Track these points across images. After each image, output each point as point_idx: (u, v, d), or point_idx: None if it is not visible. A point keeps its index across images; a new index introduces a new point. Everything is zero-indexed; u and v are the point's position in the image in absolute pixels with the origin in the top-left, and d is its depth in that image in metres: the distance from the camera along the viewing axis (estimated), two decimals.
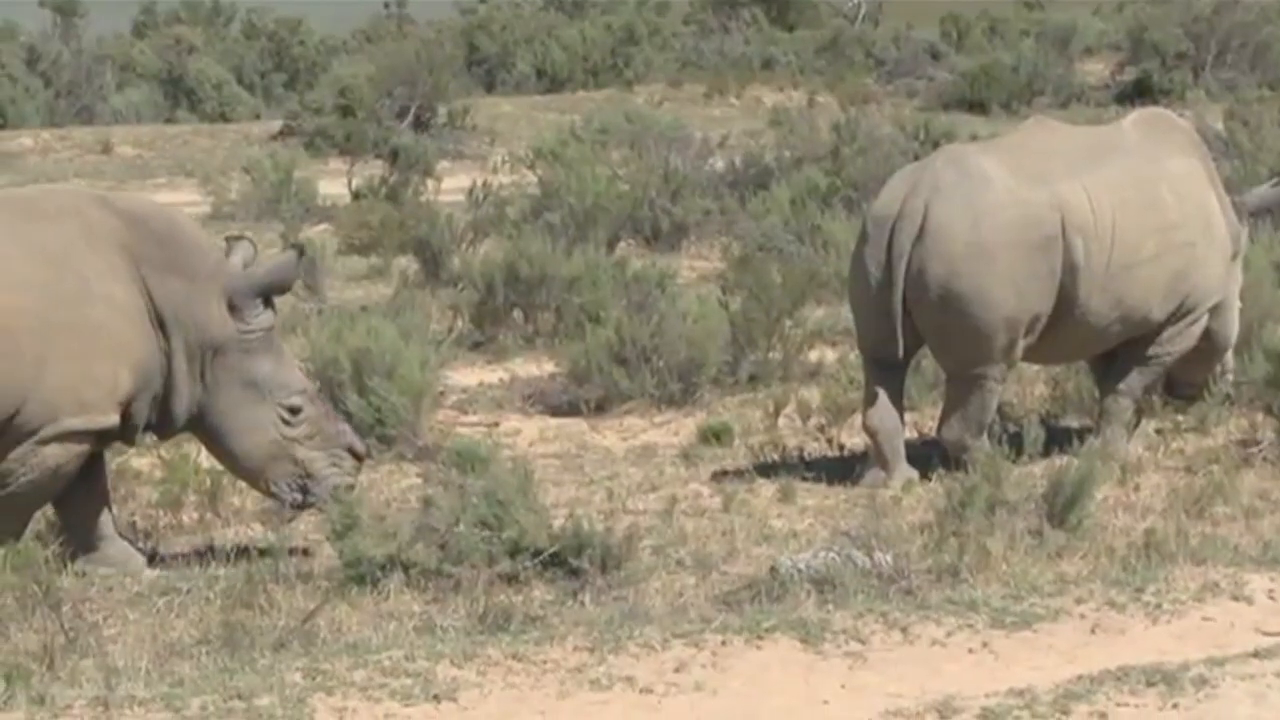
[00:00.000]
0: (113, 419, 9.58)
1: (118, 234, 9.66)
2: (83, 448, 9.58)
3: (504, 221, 19.81)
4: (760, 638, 8.08)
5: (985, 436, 11.19)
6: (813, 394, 13.27)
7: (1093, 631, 8.26)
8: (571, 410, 13.56)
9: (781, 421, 12.84)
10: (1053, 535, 9.45)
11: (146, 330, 9.66)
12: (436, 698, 7.49)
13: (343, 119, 32.75)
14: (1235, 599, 8.62)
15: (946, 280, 11.07)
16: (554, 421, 13.42)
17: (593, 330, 14.00)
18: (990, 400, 11.35)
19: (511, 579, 9.06)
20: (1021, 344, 11.30)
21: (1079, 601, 8.53)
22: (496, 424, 13.30)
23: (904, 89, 39.83)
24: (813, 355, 14.48)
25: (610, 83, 40.68)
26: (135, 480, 11.12)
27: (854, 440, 12.34)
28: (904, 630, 8.20)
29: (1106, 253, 11.30)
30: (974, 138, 25.35)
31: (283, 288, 10.22)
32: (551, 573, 9.08)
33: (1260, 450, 11.36)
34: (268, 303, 9.95)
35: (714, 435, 12.49)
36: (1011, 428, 11.60)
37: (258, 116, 38.69)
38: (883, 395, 11.31)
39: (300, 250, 10.58)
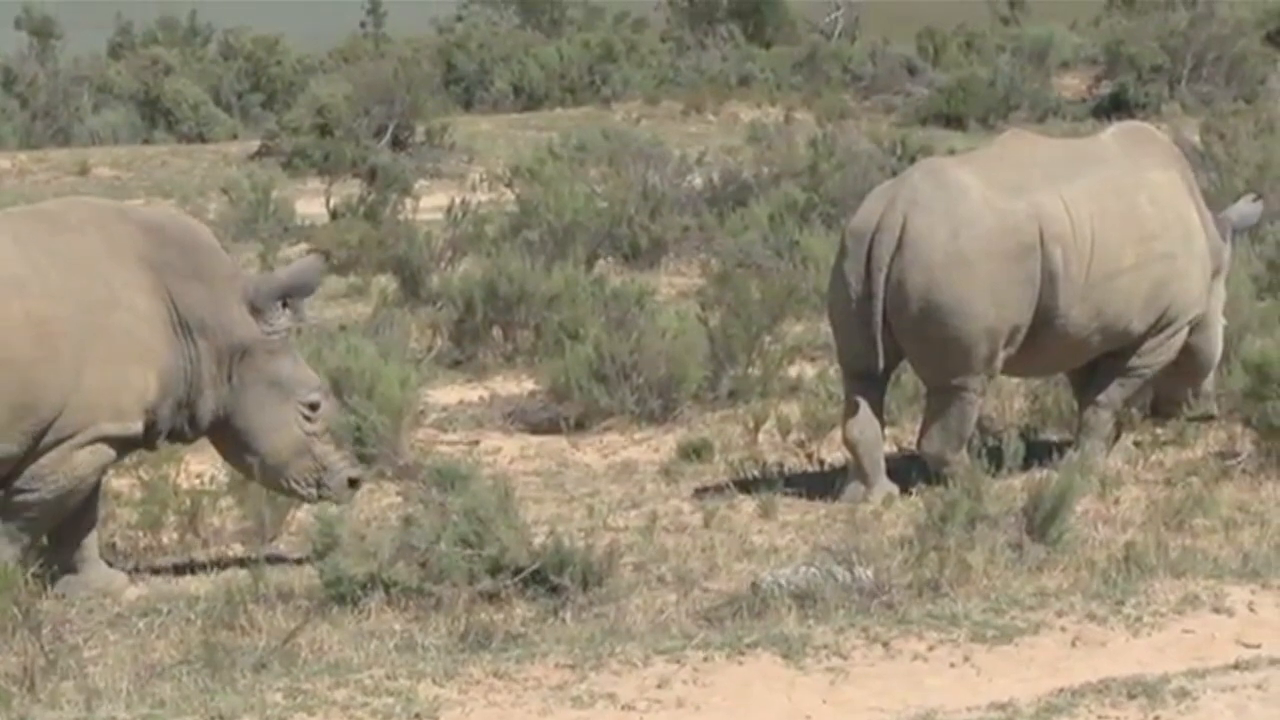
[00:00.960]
0: (138, 427, 9.78)
1: (137, 245, 9.87)
2: (111, 454, 9.79)
3: (482, 239, 19.81)
4: (742, 653, 8.08)
5: (965, 450, 11.20)
6: (792, 409, 13.28)
7: (1073, 644, 8.27)
8: (551, 428, 13.56)
9: (761, 437, 12.85)
10: (1033, 549, 9.45)
11: (171, 337, 9.87)
12: (418, 716, 7.47)
13: (320, 138, 32.72)
14: (1215, 611, 8.63)
15: (926, 291, 11.09)
16: (534, 439, 13.42)
17: (572, 347, 14.00)
18: (970, 412, 11.36)
19: (493, 597, 9.04)
20: (1001, 355, 11.32)
21: (1060, 615, 8.53)
22: (477, 442, 13.29)
23: (881, 104, 39.88)
24: (792, 371, 14.49)
25: (588, 100, 40.70)
26: (115, 501, 11.09)
27: (834, 455, 12.35)
28: (885, 645, 8.20)
29: (1085, 262, 11.32)
30: (951, 152, 25.44)
31: (305, 290, 10.43)
32: (533, 590, 9.07)
33: (1239, 463, 11.38)
34: (285, 305, 10.16)
35: (694, 451, 12.49)
36: (991, 441, 11.60)
37: (235, 136, 38.63)
38: (863, 408, 11.32)
39: (325, 255, 10.76)
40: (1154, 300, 11.58)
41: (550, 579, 9.03)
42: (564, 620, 8.82)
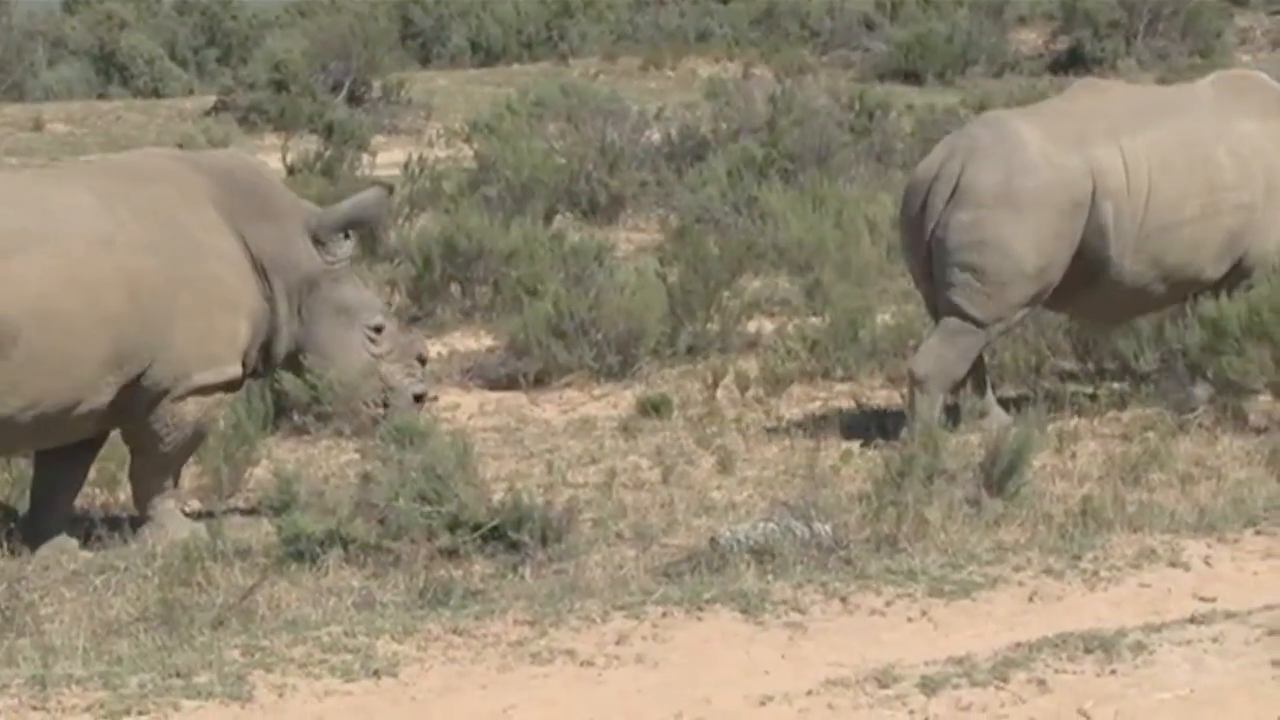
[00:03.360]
0: (237, 369, 9.98)
1: (209, 191, 10.03)
2: (216, 399, 9.99)
3: (440, 195, 19.76)
4: (700, 609, 8.09)
5: (944, 396, 11.30)
6: (751, 365, 13.30)
7: (1031, 599, 8.30)
8: (510, 384, 13.55)
9: (720, 393, 12.87)
10: (990, 504, 9.48)
11: (252, 280, 10.06)
12: (377, 673, 7.47)
13: (277, 94, 32.53)
14: (1172, 565, 8.67)
15: (970, 225, 11.31)
16: (493, 395, 13.41)
17: (531, 303, 13.99)
18: (969, 354, 11.43)
19: (451, 553, 9.04)
20: (1021, 309, 11.45)
21: (1017, 569, 8.56)
22: (435, 398, 13.26)
23: (839, 60, 39.81)
24: (750, 326, 14.50)
25: (545, 56, 40.56)
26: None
27: (792, 411, 12.37)
28: (843, 600, 8.22)
29: (1139, 215, 11.48)
30: (909, 107, 25.46)
31: (368, 221, 10.88)
32: (491, 547, 9.07)
33: (1195, 417, 11.43)
34: (347, 235, 10.43)
35: (653, 407, 12.50)
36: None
37: (191, 92, 38.38)
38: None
39: (389, 188, 11.06)
40: (1228, 250, 11.71)
41: (509, 535, 9.03)
42: (523, 576, 8.83)
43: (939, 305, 11.59)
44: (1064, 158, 11.43)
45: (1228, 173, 11.69)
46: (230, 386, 10.10)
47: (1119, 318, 12.24)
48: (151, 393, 9.71)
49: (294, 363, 10.40)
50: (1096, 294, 11.62)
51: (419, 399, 10.72)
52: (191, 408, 9.83)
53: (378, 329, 10.49)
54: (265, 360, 10.32)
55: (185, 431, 9.86)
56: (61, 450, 9.95)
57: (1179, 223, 11.56)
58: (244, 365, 10.09)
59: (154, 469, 9.96)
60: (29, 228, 9.36)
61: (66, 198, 9.61)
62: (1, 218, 9.35)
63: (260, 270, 10.11)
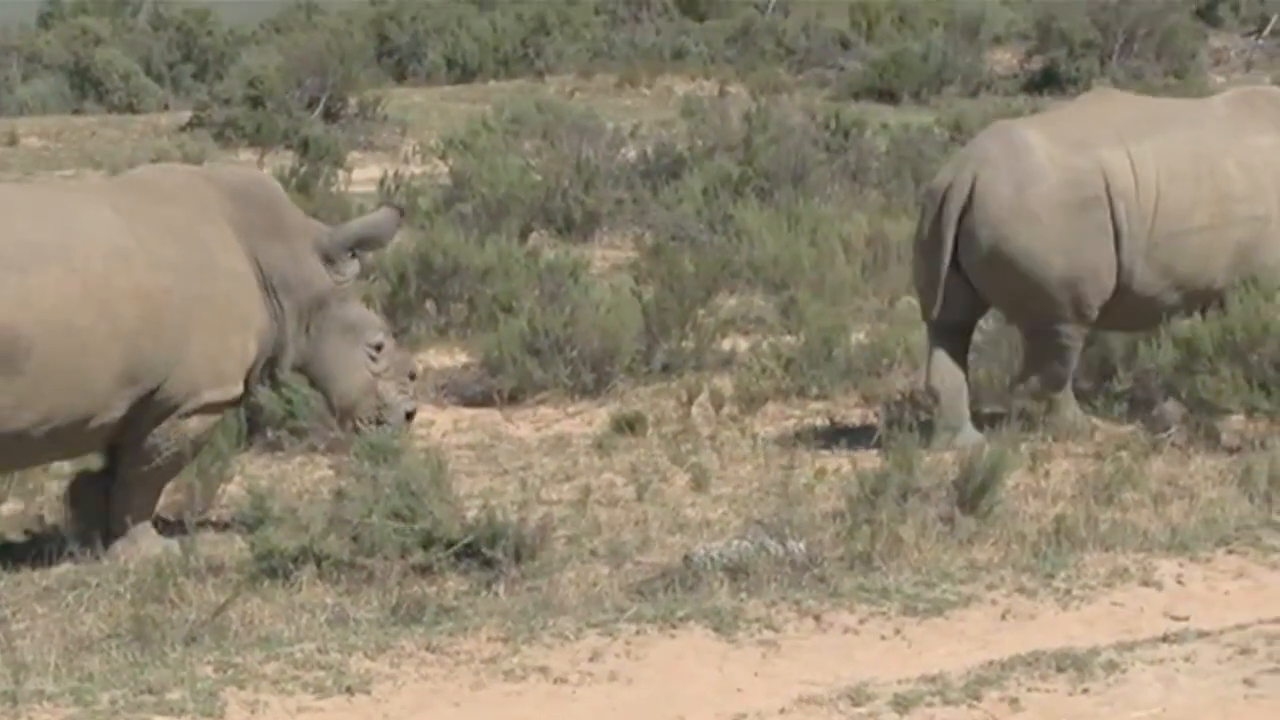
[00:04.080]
0: (241, 387, 10.01)
1: (225, 208, 10.07)
2: (218, 417, 10.04)
3: (416, 212, 19.74)
4: (674, 627, 8.08)
5: (1069, 393, 11.72)
6: (725, 383, 13.31)
7: (1003, 617, 8.31)
8: (485, 401, 13.53)
9: (694, 410, 12.87)
10: (964, 522, 9.49)
11: (261, 298, 10.10)
12: (349, 690, 7.45)
13: (252, 110, 32.52)
14: (1144, 584, 8.69)
15: (993, 244, 11.55)
16: (467, 412, 13.40)
17: (506, 320, 13.98)
18: (1067, 356, 11.75)
19: (425, 570, 9.03)
20: (1094, 303, 11.64)
21: (990, 588, 8.57)
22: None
23: (815, 78, 39.90)
24: (725, 344, 14.50)
25: (521, 73, 40.59)
26: (44, 474, 11.02)
27: (767, 429, 12.38)
28: (817, 618, 8.22)
29: (1149, 220, 11.64)
30: (884, 126, 25.52)
31: (378, 242, 10.92)
32: (465, 564, 9.06)
33: (1168, 436, 11.45)
34: (354, 255, 10.53)
35: (627, 425, 12.49)
36: (923, 416, 11.64)
37: (166, 108, 38.35)
38: (942, 358, 11.75)
39: (400, 210, 11.18)
40: (1241, 261, 11.84)
41: (483, 552, 9.02)
42: (496, 593, 8.82)
43: (1013, 323, 11.99)
44: (1071, 159, 11.63)
45: (1238, 184, 11.84)
46: (231, 405, 10.15)
47: (1135, 328, 12.33)
48: (160, 408, 9.72)
49: (301, 376, 10.44)
50: (1113, 303, 11.73)
51: (409, 416, 10.79)
52: (194, 424, 9.85)
53: (378, 347, 10.58)
54: (271, 377, 10.36)
55: (182, 448, 9.87)
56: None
57: (1188, 231, 11.72)
58: (248, 382, 10.12)
59: (145, 483, 9.94)
60: (47, 242, 9.36)
61: (86, 212, 9.62)
62: (20, 231, 9.35)
63: (270, 289, 10.15)
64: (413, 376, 10.93)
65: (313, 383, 10.45)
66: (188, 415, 9.80)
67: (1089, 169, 11.61)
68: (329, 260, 10.38)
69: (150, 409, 9.70)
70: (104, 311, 9.39)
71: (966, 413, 11.73)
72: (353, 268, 10.52)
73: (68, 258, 9.36)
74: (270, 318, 10.15)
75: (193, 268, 9.75)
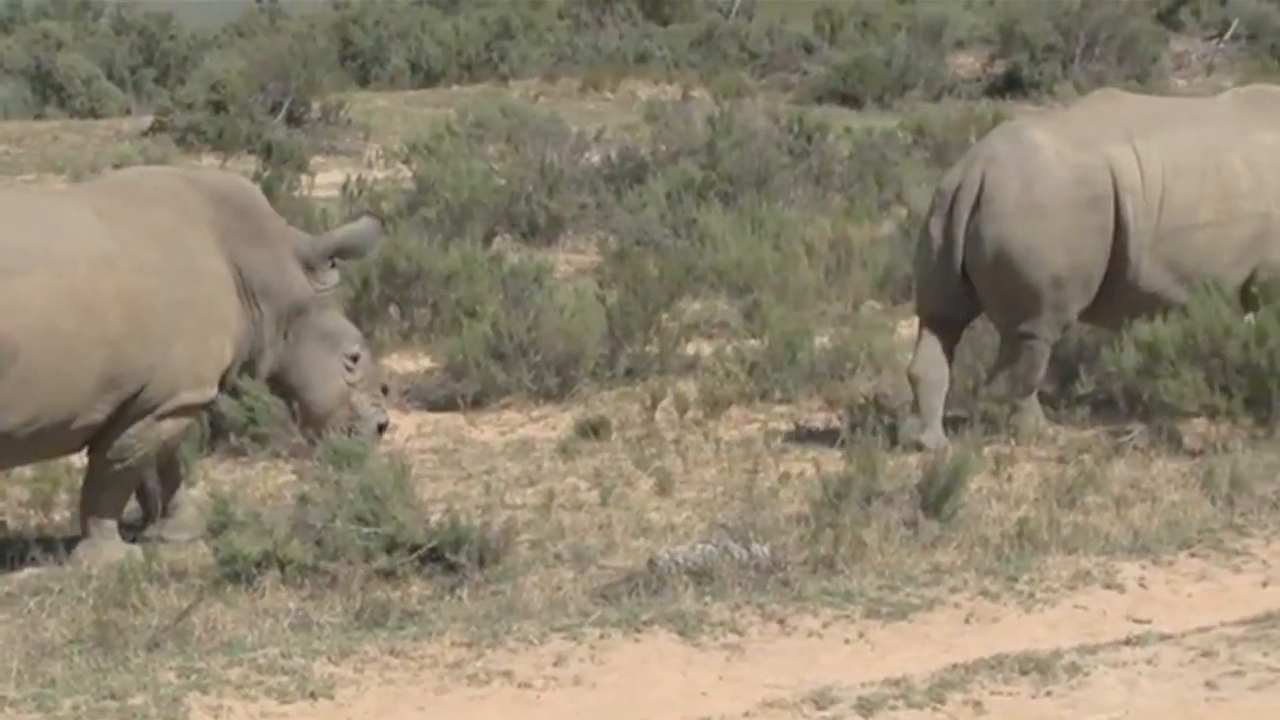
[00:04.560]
0: (215, 391, 10.07)
1: (207, 213, 10.11)
2: (191, 420, 10.12)
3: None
4: (638, 631, 8.09)
5: (1035, 398, 11.82)
6: (689, 387, 13.31)
7: (967, 621, 8.33)
8: (448, 405, 13.52)
9: (659, 414, 12.87)
10: (927, 525, 9.52)
11: (239, 304, 10.13)
12: (313, 695, 7.45)
13: (215, 114, 32.40)
14: (1107, 587, 8.72)
15: (999, 239, 11.68)
16: (431, 416, 13.38)
17: (469, 325, 13.97)
18: (1038, 361, 11.88)
19: (388, 575, 9.02)
20: (1074, 305, 11.81)
21: (953, 591, 8.59)
22: None
23: (778, 82, 39.90)
24: (689, 348, 14.51)
25: (485, 77, 40.51)
26: (5, 480, 10.98)
27: (730, 433, 12.39)
28: (781, 622, 8.23)
29: (1154, 215, 11.79)
30: (848, 130, 25.54)
31: (359, 251, 10.99)
32: (429, 568, 9.05)
33: (1130, 439, 11.49)
34: (334, 263, 10.59)
35: (591, 429, 12.49)
36: (887, 420, 11.66)
37: (128, 112, 38.18)
38: (930, 349, 11.89)
39: (381, 220, 11.18)
40: (1246, 257, 12.00)
41: (447, 557, 9.02)
42: (460, 598, 8.81)
43: (994, 322, 12.03)
44: (1079, 156, 11.80)
45: (1243, 181, 11.99)
46: (205, 407, 10.21)
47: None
48: (139, 409, 9.75)
49: (276, 382, 10.50)
50: (1119, 298, 11.86)
51: (381, 429, 10.84)
52: (168, 426, 9.89)
53: (355, 358, 10.63)
54: (248, 379, 10.40)
55: (155, 449, 9.91)
56: None
57: (1193, 226, 11.87)
58: (222, 386, 10.16)
59: (115, 484, 9.95)
60: (32, 247, 9.37)
61: (70, 217, 9.64)
62: (5, 236, 9.36)
63: (249, 293, 10.19)
64: (385, 391, 10.98)
65: (288, 390, 10.48)
66: (163, 417, 9.83)
67: (1097, 165, 11.79)
68: (309, 268, 10.44)
69: (129, 410, 9.73)
70: (89, 316, 9.43)
71: (940, 411, 11.78)
72: (333, 276, 10.58)
73: (53, 263, 9.38)
74: (249, 322, 10.19)
75: (176, 272, 9.79)
